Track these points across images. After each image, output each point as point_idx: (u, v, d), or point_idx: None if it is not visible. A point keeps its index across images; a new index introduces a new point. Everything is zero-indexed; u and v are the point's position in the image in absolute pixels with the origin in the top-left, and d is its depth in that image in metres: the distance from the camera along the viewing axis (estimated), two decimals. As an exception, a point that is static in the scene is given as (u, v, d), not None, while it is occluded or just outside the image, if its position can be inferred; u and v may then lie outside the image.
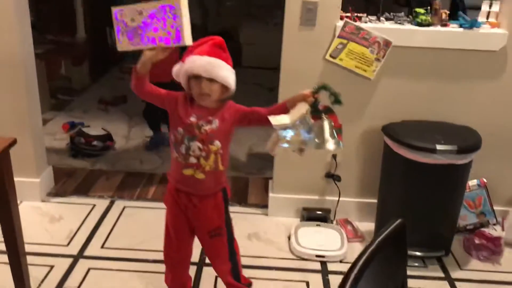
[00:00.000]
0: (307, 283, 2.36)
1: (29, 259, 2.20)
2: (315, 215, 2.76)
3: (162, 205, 2.93)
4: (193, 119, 1.75)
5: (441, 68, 2.58)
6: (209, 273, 2.38)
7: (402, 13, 2.62)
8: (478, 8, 2.63)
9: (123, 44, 1.73)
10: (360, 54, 2.50)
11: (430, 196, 2.40)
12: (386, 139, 2.48)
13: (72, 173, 3.30)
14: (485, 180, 2.70)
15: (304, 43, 2.54)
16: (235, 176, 3.29)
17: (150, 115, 3.85)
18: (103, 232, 2.67)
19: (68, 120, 4.13)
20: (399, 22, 2.57)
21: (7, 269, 2.05)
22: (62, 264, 2.39)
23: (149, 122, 3.85)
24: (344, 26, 2.48)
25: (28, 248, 2.17)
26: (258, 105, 1.83)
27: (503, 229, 2.68)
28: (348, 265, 0.90)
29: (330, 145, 1.66)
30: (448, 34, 2.51)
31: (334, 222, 2.79)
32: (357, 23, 2.49)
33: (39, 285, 2.25)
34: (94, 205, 2.93)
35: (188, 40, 1.64)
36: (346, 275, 0.83)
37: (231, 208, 1.98)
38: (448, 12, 2.56)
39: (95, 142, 3.56)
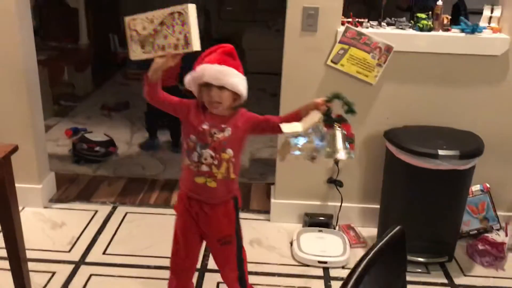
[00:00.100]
0: (309, 289, 2.35)
1: (31, 265, 2.20)
2: (317, 221, 2.75)
3: (164, 210, 2.97)
4: (205, 126, 1.75)
5: (443, 73, 2.58)
6: (211, 279, 2.37)
7: (404, 18, 2.62)
8: (480, 13, 2.63)
9: (136, 52, 1.75)
10: (361, 59, 2.50)
11: (432, 201, 2.39)
12: (388, 144, 2.47)
13: (74, 179, 3.30)
14: (488, 185, 2.69)
15: (305, 49, 2.54)
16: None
17: (149, 119, 3.89)
18: (105, 238, 2.67)
19: (71, 126, 4.14)
20: (400, 27, 2.57)
21: (8, 276, 2.05)
22: (64, 271, 2.39)
23: (147, 126, 3.91)
24: (345, 31, 2.48)
25: (30, 254, 2.17)
26: (261, 110, 1.83)
27: (506, 235, 2.66)
28: (351, 271, 0.89)
29: (342, 154, 1.64)
30: (450, 39, 2.51)
31: (337, 227, 2.79)
32: (358, 29, 2.49)
33: (41, 291, 2.25)
34: (96, 211, 2.93)
35: (196, 45, 1.65)
36: (345, 282, 0.83)
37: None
38: (449, 17, 2.56)
39: (97, 148, 3.57)
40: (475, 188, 2.66)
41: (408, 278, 2.44)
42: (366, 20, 2.57)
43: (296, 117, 1.73)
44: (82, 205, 2.99)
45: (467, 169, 2.35)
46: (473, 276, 2.49)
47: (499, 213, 2.74)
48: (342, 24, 2.52)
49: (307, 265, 2.51)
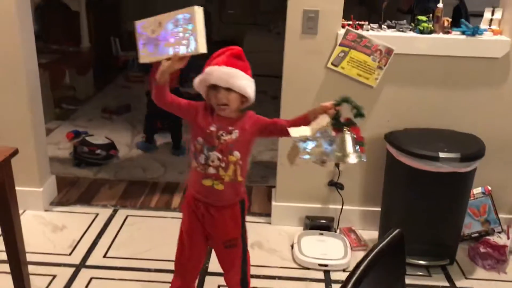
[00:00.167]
0: (310, 293, 2.35)
1: (32, 268, 2.21)
2: (318, 224, 2.74)
3: (165, 213, 2.97)
4: (213, 128, 1.76)
5: (443, 76, 2.58)
6: (212, 282, 2.37)
7: (404, 21, 2.61)
8: (481, 15, 2.62)
9: (144, 56, 1.75)
10: (362, 62, 2.50)
11: (433, 204, 2.38)
12: (388, 147, 2.47)
13: (75, 182, 3.30)
14: (489, 187, 2.68)
15: (306, 52, 2.54)
16: (238, 185, 3.28)
17: (148, 122, 3.91)
18: (105, 241, 2.67)
19: (72, 129, 4.14)
20: (401, 29, 2.56)
21: (8, 279, 2.05)
22: (65, 274, 2.39)
23: (146, 127, 3.94)
24: (345, 34, 2.48)
25: (30, 257, 2.17)
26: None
27: (508, 237, 2.65)
28: (352, 274, 0.89)
29: (353, 159, 1.63)
30: (450, 42, 2.51)
31: (338, 230, 2.78)
32: (359, 31, 2.49)
33: (41, 294, 2.25)
34: (97, 214, 2.92)
35: (202, 48, 1.65)
36: (343, 286, 0.82)
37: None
38: (450, 19, 2.55)
39: (98, 151, 3.57)
40: (476, 190, 2.65)
41: (410, 281, 2.45)
42: (367, 22, 2.57)
43: (304, 120, 1.73)
44: (83, 208, 2.99)
45: (468, 172, 2.34)
46: (474, 279, 2.48)
47: (501, 215, 2.73)
48: (343, 26, 2.52)
49: (308, 268, 2.50)
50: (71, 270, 2.41)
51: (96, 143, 3.60)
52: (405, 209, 2.44)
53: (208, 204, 1.84)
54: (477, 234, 2.70)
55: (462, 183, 2.39)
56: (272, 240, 2.73)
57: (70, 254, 2.55)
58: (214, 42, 5.97)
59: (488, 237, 2.63)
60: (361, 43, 2.48)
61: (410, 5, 4.52)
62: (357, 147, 1.64)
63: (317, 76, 2.57)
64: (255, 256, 2.55)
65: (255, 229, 2.82)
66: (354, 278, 0.84)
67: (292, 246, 2.65)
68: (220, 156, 1.75)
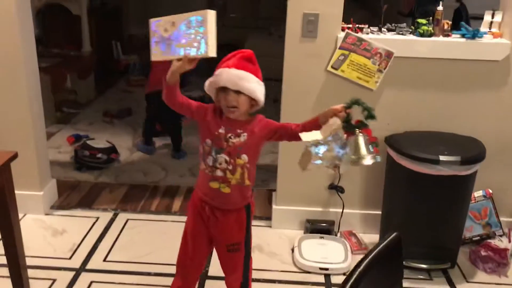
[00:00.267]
0: (311, 296, 2.34)
1: (32, 272, 2.20)
2: (318, 227, 2.74)
3: (166, 217, 2.97)
4: (221, 130, 1.76)
5: (444, 79, 2.57)
6: (212, 285, 2.36)
7: (404, 24, 2.61)
8: (482, 18, 2.62)
9: (156, 54, 1.75)
10: (362, 65, 2.50)
11: (434, 207, 2.37)
12: (389, 150, 2.46)
13: (76, 186, 3.30)
14: (490, 190, 2.67)
15: (306, 55, 2.54)
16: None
17: (147, 126, 3.92)
18: (106, 245, 2.67)
19: (73, 133, 4.14)
20: (401, 32, 2.56)
21: (8, 283, 2.04)
22: (64, 278, 2.38)
23: (144, 130, 3.95)
24: (345, 37, 2.48)
25: (30, 261, 2.17)
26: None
27: (509, 241, 2.64)
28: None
29: (368, 160, 1.62)
30: (450, 44, 2.50)
31: (338, 234, 2.77)
32: (359, 34, 2.49)
33: (41, 298, 2.25)
34: (98, 218, 2.92)
35: (211, 51, 1.65)
36: (340, 290, 0.82)
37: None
38: (450, 22, 2.55)
39: (99, 155, 3.57)
40: (477, 193, 2.64)
41: (410, 284, 2.44)
42: (367, 26, 2.57)
43: (314, 124, 1.72)
44: (84, 212, 2.99)
45: (468, 175, 2.33)
46: (476, 283, 2.47)
47: (502, 219, 2.72)
48: (342, 30, 2.52)
49: (309, 272, 2.50)
50: (71, 274, 2.41)
51: (97, 147, 3.60)
52: (405, 213, 2.43)
53: (214, 207, 1.84)
54: (478, 237, 2.69)
55: (463, 186, 2.39)
56: (272, 244, 2.73)
57: (70, 258, 2.55)
58: (216, 45, 5.97)
59: (489, 241, 2.62)
60: (361, 46, 2.48)
61: (411, 8, 4.52)
62: (371, 148, 1.64)
63: (317, 79, 2.57)
64: (255, 260, 2.53)
65: (255, 232, 2.77)
66: (351, 281, 0.84)
67: (292, 250, 2.64)
68: (227, 159, 1.75)
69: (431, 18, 2.54)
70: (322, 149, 1.61)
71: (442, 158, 2.24)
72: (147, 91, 3.76)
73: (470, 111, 2.61)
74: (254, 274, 2.41)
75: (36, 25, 2.81)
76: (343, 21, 2.53)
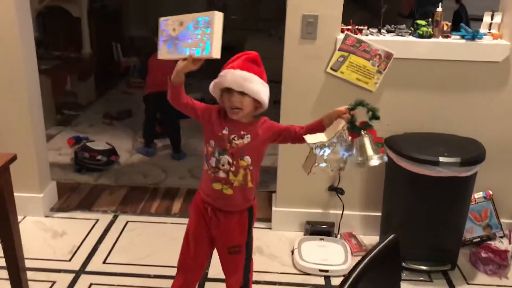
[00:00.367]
0: (310, 298, 2.34)
1: (31, 274, 2.20)
2: (318, 229, 2.73)
3: (165, 219, 2.96)
4: (225, 132, 1.76)
5: (443, 80, 2.57)
6: (211, 287, 2.37)
7: (404, 25, 2.61)
8: (482, 19, 2.62)
9: (163, 53, 1.76)
10: (361, 66, 2.50)
11: (434, 209, 2.37)
12: (388, 151, 2.45)
13: (75, 188, 3.30)
14: (491, 192, 2.67)
15: (305, 56, 2.54)
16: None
17: (147, 128, 3.92)
18: (105, 247, 2.66)
19: (73, 135, 4.15)
20: (400, 34, 2.56)
21: (7, 285, 2.04)
22: (64, 280, 2.38)
23: (144, 132, 3.96)
24: (344, 39, 2.48)
25: (30, 263, 2.17)
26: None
27: (510, 242, 2.64)
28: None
29: (375, 161, 1.62)
30: (450, 46, 2.50)
31: (338, 235, 2.77)
32: (358, 36, 2.49)
33: (41, 301, 2.25)
34: (98, 220, 2.92)
35: (215, 53, 1.65)
36: (338, 292, 0.81)
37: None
38: (449, 23, 2.55)
39: (99, 157, 3.57)
40: (478, 195, 2.64)
41: (411, 286, 2.44)
42: (366, 27, 2.57)
43: (319, 126, 1.72)
44: (83, 214, 2.98)
45: (468, 176, 2.33)
46: (476, 285, 2.47)
47: (502, 220, 2.71)
48: (342, 31, 2.52)
49: (309, 274, 2.49)
50: (70, 276, 2.41)
51: (97, 149, 3.60)
52: (405, 214, 2.43)
53: (216, 208, 1.84)
54: (478, 239, 2.68)
55: (463, 188, 2.38)
56: (272, 246, 2.72)
57: (70, 260, 2.54)
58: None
59: (489, 242, 2.62)
60: (360, 47, 2.48)
61: (411, 10, 4.52)
62: (377, 149, 1.63)
63: (317, 81, 2.57)
64: (255, 262, 2.52)
65: (255, 234, 2.77)
66: (348, 283, 0.83)
67: (292, 252, 2.63)
68: (230, 160, 1.75)
69: (430, 19, 2.54)
70: (327, 152, 1.60)
71: (442, 159, 2.24)
72: (145, 93, 3.78)
73: (470, 112, 2.61)
74: (254, 276, 2.40)
75: (37, 27, 2.81)
76: (342, 22, 2.52)
